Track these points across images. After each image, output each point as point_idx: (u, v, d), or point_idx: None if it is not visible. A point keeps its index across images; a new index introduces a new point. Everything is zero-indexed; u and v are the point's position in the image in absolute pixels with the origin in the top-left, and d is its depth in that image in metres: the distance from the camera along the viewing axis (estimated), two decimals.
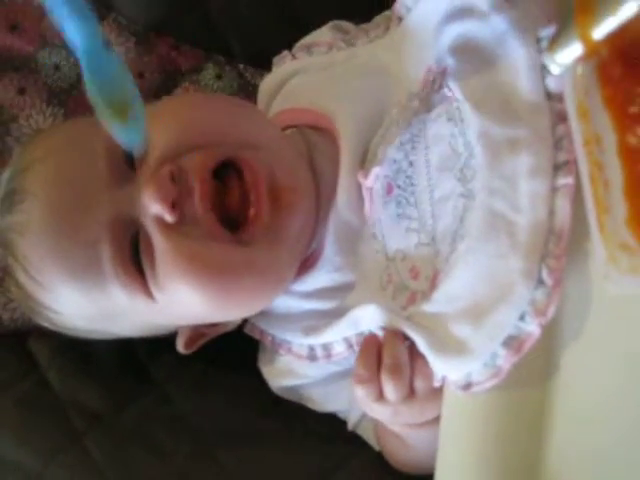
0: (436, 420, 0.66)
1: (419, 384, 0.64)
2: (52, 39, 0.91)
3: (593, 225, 0.50)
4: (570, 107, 0.53)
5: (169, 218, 0.67)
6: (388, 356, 0.64)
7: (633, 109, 0.49)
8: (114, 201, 0.69)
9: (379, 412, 0.67)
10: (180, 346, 0.80)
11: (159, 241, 0.68)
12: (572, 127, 0.53)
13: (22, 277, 0.73)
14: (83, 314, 0.75)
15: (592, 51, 0.49)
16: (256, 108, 0.85)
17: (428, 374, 0.63)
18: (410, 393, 0.64)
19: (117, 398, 0.85)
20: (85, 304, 0.73)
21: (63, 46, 0.91)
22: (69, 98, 0.92)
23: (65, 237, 0.70)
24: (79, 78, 0.91)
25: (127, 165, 0.70)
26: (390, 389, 0.64)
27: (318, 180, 0.74)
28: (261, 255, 0.69)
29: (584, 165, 0.51)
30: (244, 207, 0.69)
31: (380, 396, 0.64)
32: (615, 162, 0.50)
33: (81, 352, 0.87)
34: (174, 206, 0.67)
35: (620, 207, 0.49)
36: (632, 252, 0.48)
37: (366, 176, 0.70)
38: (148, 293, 0.70)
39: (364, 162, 0.71)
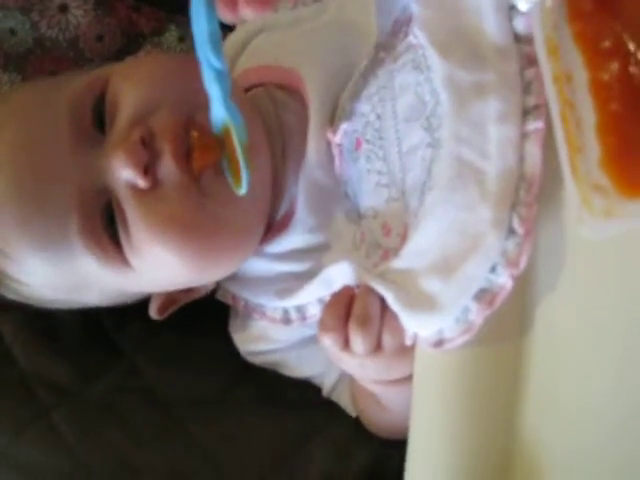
0: (409, 380, 0.64)
1: (387, 339, 0.62)
2: (6, 1, 0.88)
3: (565, 166, 0.48)
4: (538, 43, 0.50)
5: (142, 184, 0.65)
6: (358, 307, 0.62)
7: (605, 44, 0.47)
8: (82, 168, 0.67)
9: (346, 362, 0.65)
10: (153, 312, 0.78)
11: (133, 208, 0.66)
12: (541, 63, 0.51)
13: None
14: (52, 285, 0.73)
15: None
16: None
17: (398, 330, 0.61)
18: (377, 347, 0.62)
19: (84, 371, 0.83)
20: (54, 275, 0.71)
21: (17, 9, 0.88)
22: (26, 63, 0.89)
23: (32, 208, 0.68)
24: (36, 42, 0.89)
25: (94, 127, 0.68)
26: (357, 340, 0.62)
27: (286, 140, 0.73)
28: (226, 210, 0.68)
29: (554, 104, 0.49)
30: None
31: (346, 346, 0.63)
32: (587, 100, 0.48)
33: (46, 325, 0.85)
34: (146, 171, 0.65)
35: (593, 147, 0.47)
36: (606, 193, 0.46)
37: (335, 132, 0.68)
38: (124, 261, 0.69)
39: (333, 118, 0.70)
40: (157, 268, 0.69)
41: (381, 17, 0.69)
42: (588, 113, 0.48)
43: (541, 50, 0.50)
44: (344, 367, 0.69)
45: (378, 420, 0.77)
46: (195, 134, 0.66)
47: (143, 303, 0.79)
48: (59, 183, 0.67)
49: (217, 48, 0.56)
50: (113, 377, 0.83)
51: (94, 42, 0.89)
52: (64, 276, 0.71)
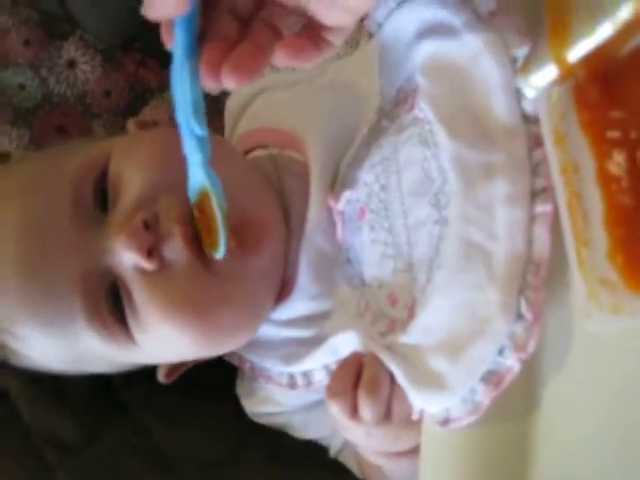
0: (414, 453, 0.64)
1: (396, 407, 0.61)
2: (16, 58, 0.89)
3: (572, 260, 0.48)
4: (546, 133, 0.50)
5: (147, 266, 0.65)
6: (368, 373, 0.62)
7: (611, 134, 0.46)
8: (85, 249, 0.67)
9: (352, 431, 0.65)
10: (161, 376, 0.78)
11: (140, 289, 0.66)
12: (548, 154, 0.50)
13: None
14: (57, 360, 0.73)
15: (567, 74, 0.46)
16: (222, 141, 0.82)
17: (406, 401, 0.60)
18: (386, 415, 0.61)
19: (90, 429, 0.82)
20: (59, 352, 0.71)
21: (27, 66, 0.88)
22: (35, 118, 0.90)
23: (36, 289, 0.68)
24: (44, 98, 0.90)
25: (96, 207, 0.68)
26: (366, 406, 0.61)
27: (288, 204, 0.72)
28: (235, 289, 0.67)
29: (562, 195, 0.49)
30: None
31: (354, 413, 0.62)
32: (594, 191, 0.47)
33: (53, 382, 0.84)
34: (151, 253, 0.65)
35: (600, 239, 0.47)
36: (613, 288, 0.45)
37: (337, 200, 0.67)
38: (129, 338, 0.68)
39: (334, 184, 0.69)
40: (163, 345, 0.69)
41: (384, 83, 0.68)
42: (596, 204, 0.47)
43: (548, 140, 0.49)
44: (350, 437, 0.68)
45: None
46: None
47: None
48: (62, 264, 0.67)
49: (199, 114, 0.55)
50: (119, 435, 0.82)
51: (102, 97, 0.90)
52: (69, 352, 0.71)
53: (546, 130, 0.50)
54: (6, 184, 0.73)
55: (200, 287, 0.66)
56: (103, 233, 0.67)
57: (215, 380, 0.82)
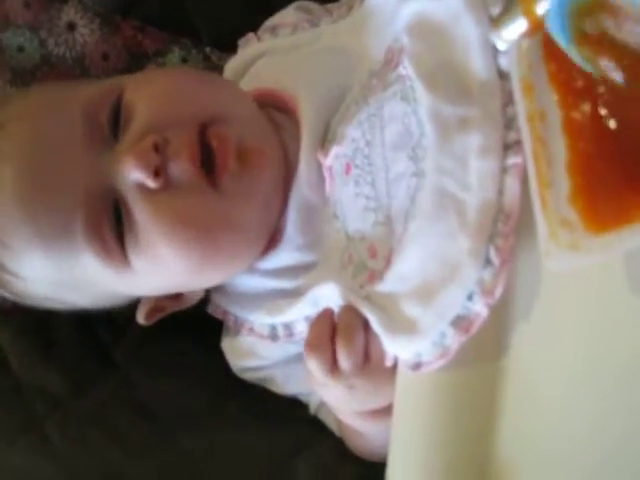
0: (389, 412, 0.65)
1: (373, 353, 0.63)
2: (16, 19, 0.90)
3: (535, 201, 0.50)
4: (514, 82, 0.52)
5: (152, 184, 0.67)
6: (342, 322, 0.64)
7: (577, 84, 0.48)
8: (92, 168, 0.69)
9: (333, 388, 0.66)
10: (141, 317, 0.80)
11: (141, 208, 0.68)
12: (516, 102, 0.52)
13: None
14: (47, 280, 0.74)
15: (536, 27, 0.48)
16: (231, 82, 0.84)
17: (382, 346, 0.62)
18: (364, 362, 0.63)
19: (78, 382, 0.85)
20: (51, 270, 0.72)
21: (27, 27, 0.90)
22: (33, 79, 0.91)
23: (38, 200, 0.70)
24: (43, 59, 0.91)
25: (108, 132, 0.71)
26: (343, 354, 0.63)
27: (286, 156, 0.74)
28: (238, 207, 0.70)
29: (528, 141, 0.51)
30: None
31: (333, 366, 0.64)
32: (559, 138, 0.49)
33: (43, 336, 0.87)
34: (157, 173, 0.67)
35: (563, 183, 0.49)
36: (573, 228, 0.48)
37: (326, 155, 0.70)
38: (125, 261, 0.70)
39: (325, 141, 0.72)
40: (157, 268, 0.71)
41: (374, 44, 0.71)
42: (560, 151, 0.49)
43: (517, 88, 0.51)
44: (330, 397, 0.70)
45: (361, 449, 0.78)
46: (215, 143, 0.68)
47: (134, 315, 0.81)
48: (68, 180, 0.69)
49: None
50: (106, 389, 0.84)
51: (100, 60, 0.91)
52: (62, 272, 0.72)
53: (515, 79, 0.52)
54: (14, 107, 0.76)
55: (204, 206, 0.69)
56: (112, 156, 0.69)
57: (201, 336, 0.84)
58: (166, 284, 0.76)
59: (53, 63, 0.91)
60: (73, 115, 0.71)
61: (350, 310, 0.64)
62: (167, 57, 0.93)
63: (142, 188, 0.68)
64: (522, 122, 0.51)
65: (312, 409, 0.81)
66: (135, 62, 0.93)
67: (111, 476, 0.80)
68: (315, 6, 0.86)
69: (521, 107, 0.51)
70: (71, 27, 0.91)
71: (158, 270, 0.71)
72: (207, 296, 0.82)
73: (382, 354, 0.63)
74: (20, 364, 0.85)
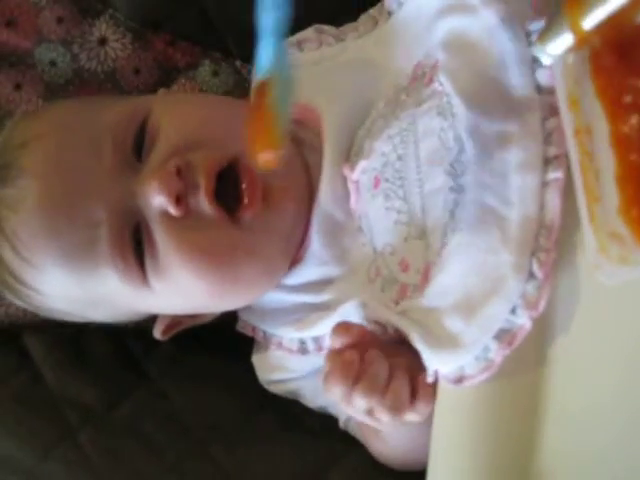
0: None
1: (383, 413, 0.62)
2: (49, 35, 0.91)
3: (583, 215, 0.50)
4: (560, 96, 0.52)
5: (174, 212, 0.68)
6: (369, 372, 0.62)
7: (626, 99, 0.49)
8: (117, 189, 0.70)
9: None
10: (158, 333, 0.80)
11: (163, 234, 0.69)
12: (562, 116, 0.53)
13: (8, 254, 0.73)
14: (67, 296, 0.75)
15: (583, 41, 0.48)
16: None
17: (399, 402, 0.62)
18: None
19: (111, 393, 0.85)
20: (72, 287, 0.73)
21: (59, 42, 0.91)
22: (65, 93, 0.92)
23: (63, 217, 0.70)
24: (75, 74, 0.91)
25: (134, 155, 0.71)
26: (358, 402, 0.62)
27: (309, 175, 0.74)
28: (259, 241, 0.70)
29: (575, 155, 0.51)
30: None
31: (349, 401, 0.63)
32: (607, 151, 0.50)
33: (75, 348, 0.87)
34: (179, 200, 0.68)
35: (612, 196, 0.49)
36: (622, 241, 0.48)
37: (352, 169, 0.70)
38: (145, 282, 0.71)
39: (349, 155, 0.72)
40: (176, 292, 0.71)
41: (402, 59, 0.71)
42: (608, 164, 0.50)
43: (563, 103, 0.52)
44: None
45: (381, 451, 0.78)
46: (245, 180, 0.68)
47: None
48: (93, 199, 0.70)
49: None
50: (139, 400, 0.85)
51: (131, 75, 0.92)
52: (82, 289, 0.73)
53: (561, 94, 0.52)
54: (39, 124, 0.76)
55: (223, 238, 0.69)
56: (137, 178, 0.70)
57: (233, 350, 0.85)
58: (186, 306, 0.76)
59: (85, 78, 0.92)
60: (99, 134, 0.71)
61: (378, 357, 0.63)
62: (198, 70, 0.93)
63: (164, 214, 0.69)
64: (569, 137, 0.51)
65: (341, 422, 0.81)
66: (166, 76, 0.93)
67: None
68: (333, 29, 0.84)
69: (567, 122, 0.51)
70: (103, 42, 0.91)
71: (177, 293, 0.72)
72: (236, 313, 0.82)
73: (396, 411, 0.62)
74: (53, 376, 0.86)
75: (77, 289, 0.73)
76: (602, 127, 0.50)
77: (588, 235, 0.49)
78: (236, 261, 0.70)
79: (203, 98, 0.86)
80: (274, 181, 0.71)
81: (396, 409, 0.62)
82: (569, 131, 0.51)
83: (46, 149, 0.72)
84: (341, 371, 0.62)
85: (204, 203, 0.68)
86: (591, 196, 0.49)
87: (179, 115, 0.72)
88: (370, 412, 0.63)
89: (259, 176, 0.70)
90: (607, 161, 0.49)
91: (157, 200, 0.68)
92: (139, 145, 0.71)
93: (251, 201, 0.69)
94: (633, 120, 0.48)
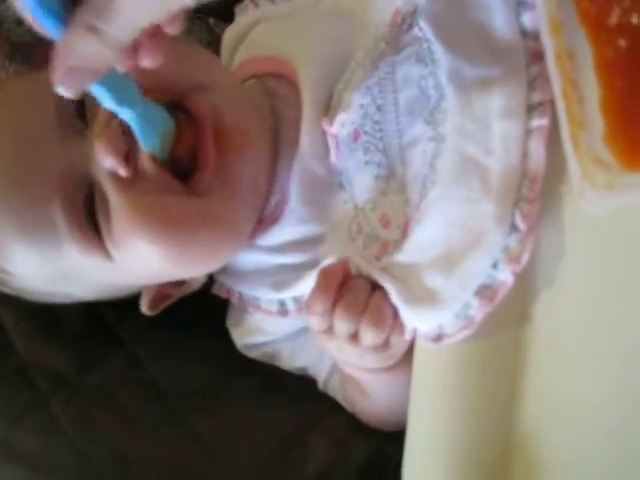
0: (389, 370, 0.65)
1: (394, 339, 0.61)
2: None
3: (567, 142, 0.48)
4: (542, 22, 0.50)
5: (123, 172, 0.65)
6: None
7: (610, 21, 0.47)
8: (65, 155, 0.67)
9: (326, 341, 0.65)
10: (144, 307, 0.78)
11: (114, 196, 0.66)
12: (544, 42, 0.51)
13: None
14: (38, 274, 0.73)
15: None
16: (208, 52, 0.81)
17: (380, 325, 0.60)
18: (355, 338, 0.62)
19: (83, 360, 0.83)
20: (39, 264, 0.71)
21: None
22: (33, 53, 0.89)
23: (15, 195, 0.68)
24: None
25: (79, 119, 0.68)
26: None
27: (279, 129, 0.71)
28: (215, 206, 0.67)
29: (557, 81, 0.49)
30: (195, 155, 0.66)
31: (329, 329, 0.62)
32: (591, 77, 0.48)
33: (47, 316, 0.85)
34: (127, 160, 0.64)
35: (596, 123, 0.48)
36: (608, 167, 0.47)
37: (331, 123, 0.67)
38: (104, 251, 0.68)
39: (328, 108, 0.69)
40: (136, 259, 0.68)
41: (380, 7, 0.68)
42: (591, 90, 0.48)
43: (544, 28, 0.50)
44: (326, 346, 0.68)
45: (362, 406, 0.76)
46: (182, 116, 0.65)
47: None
48: (43, 169, 0.67)
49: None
50: (112, 367, 0.83)
51: None
52: (49, 265, 0.70)
53: (542, 19, 0.50)
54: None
55: (173, 202, 0.65)
56: (85, 141, 0.67)
57: (208, 315, 0.82)
58: (149, 275, 0.73)
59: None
60: (45, 104, 0.68)
61: (360, 279, 0.62)
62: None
63: (115, 176, 0.65)
64: (551, 62, 0.50)
65: (320, 384, 0.80)
66: None
67: (119, 454, 0.79)
68: None
69: (549, 47, 0.50)
70: None
71: (136, 261, 0.68)
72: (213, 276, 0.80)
73: (403, 345, 0.61)
74: (24, 344, 0.84)
75: (44, 266, 0.71)
76: (586, 52, 0.48)
77: (572, 163, 0.48)
78: (191, 228, 0.66)
79: None
80: (231, 121, 0.67)
81: (378, 323, 0.60)
82: (551, 57, 0.50)
83: None
84: (324, 287, 0.61)
85: (147, 162, 0.65)
86: (574, 123, 0.48)
87: None
88: (353, 337, 0.61)
89: (212, 117, 0.66)
90: (590, 87, 0.48)
91: (106, 161, 0.65)
92: (84, 107, 0.68)
93: (204, 165, 0.66)
94: (618, 43, 0.47)
